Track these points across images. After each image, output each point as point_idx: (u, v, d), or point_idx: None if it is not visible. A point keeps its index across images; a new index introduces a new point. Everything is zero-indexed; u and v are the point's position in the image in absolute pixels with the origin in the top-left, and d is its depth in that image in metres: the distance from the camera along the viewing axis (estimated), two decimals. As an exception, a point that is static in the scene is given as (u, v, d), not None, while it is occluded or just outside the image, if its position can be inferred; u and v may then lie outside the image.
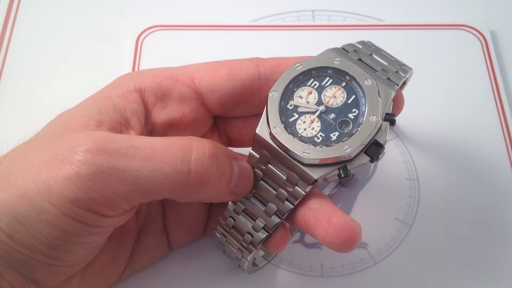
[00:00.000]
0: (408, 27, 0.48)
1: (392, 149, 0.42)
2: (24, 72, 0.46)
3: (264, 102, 0.31)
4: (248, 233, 0.32)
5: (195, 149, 0.29)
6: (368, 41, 0.33)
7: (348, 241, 0.29)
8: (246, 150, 0.32)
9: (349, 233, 0.29)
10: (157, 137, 0.29)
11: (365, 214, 0.40)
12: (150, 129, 0.33)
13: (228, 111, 0.35)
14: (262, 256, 0.37)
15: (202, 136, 0.36)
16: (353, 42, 0.33)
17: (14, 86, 0.46)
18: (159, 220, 0.36)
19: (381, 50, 0.32)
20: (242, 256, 0.33)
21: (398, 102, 0.33)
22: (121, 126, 0.31)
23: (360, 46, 0.32)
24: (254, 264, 0.36)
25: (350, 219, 0.30)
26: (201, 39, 0.48)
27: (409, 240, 0.39)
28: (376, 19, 0.49)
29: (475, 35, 0.48)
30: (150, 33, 0.48)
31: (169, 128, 0.34)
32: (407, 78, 0.32)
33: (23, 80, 0.46)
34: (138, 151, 0.28)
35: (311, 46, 0.47)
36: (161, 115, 0.33)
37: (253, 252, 0.32)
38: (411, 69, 0.32)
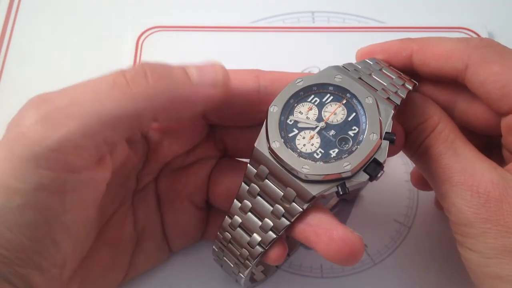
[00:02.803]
0: (408, 29, 0.48)
1: (391, 151, 0.42)
2: (24, 72, 0.46)
3: (262, 115, 0.31)
4: (245, 248, 0.32)
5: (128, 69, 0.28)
6: (369, 59, 0.33)
7: (351, 256, 0.29)
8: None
9: (351, 248, 0.29)
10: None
11: (365, 216, 0.40)
12: (145, 135, 0.33)
13: (225, 121, 0.35)
14: (261, 271, 0.37)
15: (198, 144, 0.35)
16: (353, 62, 0.33)
17: (14, 86, 0.46)
18: (158, 226, 0.36)
19: (382, 68, 0.33)
20: (239, 272, 0.33)
21: (400, 139, 0.32)
22: None
23: (360, 66, 0.32)
24: (252, 280, 0.36)
25: (351, 233, 0.29)
26: (201, 40, 0.48)
27: (408, 242, 0.39)
28: (376, 21, 0.49)
29: (473, 37, 0.48)
30: (150, 34, 0.48)
31: (164, 135, 0.34)
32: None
33: (23, 80, 0.46)
34: (74, 91, 0.28)
35: (310, 48, 0.48)
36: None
37: (250, 268, 0.32)
38: (411, 88, 0.32)
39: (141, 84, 0.28)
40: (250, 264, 0.32)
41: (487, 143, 0.34)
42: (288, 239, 0.34)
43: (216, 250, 0.34)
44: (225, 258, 0.33)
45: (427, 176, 0.32)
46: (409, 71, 0.33)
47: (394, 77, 0.32)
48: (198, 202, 0.36)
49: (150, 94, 0.28)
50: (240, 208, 0.31)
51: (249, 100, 0.33)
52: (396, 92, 0.31)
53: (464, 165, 0.30)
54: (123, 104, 0.27)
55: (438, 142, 0.31)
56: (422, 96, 0.33)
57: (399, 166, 0.42)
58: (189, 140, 0.35)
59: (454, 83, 0.32)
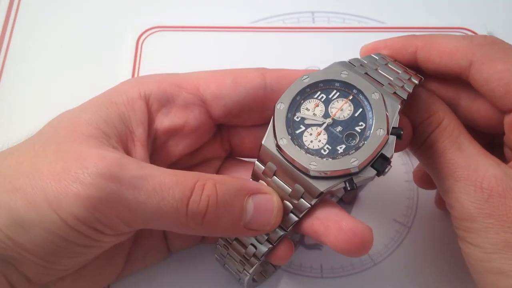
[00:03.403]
0: (407, 30, 0.48)
1: (391, 151, 0.42)
2: (24, 72, 0.46)
3: (268, 112, 0.31)
4: (252, 245, 0.32)
5: (195, 191, 0.29)
6: (375, 54, 0.33)
7: (361, 246, 0.29)
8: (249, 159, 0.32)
9: (361, 239, 0.29)
10: (168, 171, 0.29)
11: (365, 216, 0.40)
12: (153, 135, 0.33)
13: (231, 119, 0.35)
14: (260, 272, 0.37)
15: (204, 144, 0.36)
16: (359, 57, 0.33)
17: (14, 86, 0.46)
18: None
19: (387, 63, 0.33)
20: (244, 269, 0.33)
21: (408, 134, 0.33)
22: (127, 137, 0.32)
23: (366, 61, 0.32)
24: (253, 280, 0.36)
25: (360, 224, 0.30)
26: (201, 40, 0.48)
27: (408, 242, 0.39)
28: (376, 21, 0.49)
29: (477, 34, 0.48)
30: (150, 34, 0.48)
31: (171, 135, 0.34)
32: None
33: (23, 80, 0.46)
34: (147, 184, 0.28)
35: (310, 48, 0.48)
36: (164, 121, 0.33)
37: (255, 265, 0.32)
38: (417, 83, 0.32)
39: (196, 220, 0.29)
40: (256, 261, 0.32)
41: (489, 141, 0.35)
42: None
43: (220, 247, 0.34)
44: (229, 256, 0.33)
45: (430, 171, 0.32)
46: (413, 67, 0.33)
47: (400, 71, 0.32)
48: None
49: (197, 231, 0.30)
50: None
51: (256, 98, 0.33)
52: (402, 87, 0.31)
53: (468, 161, 0.30)
54: (172, 227, 0.30)
55: (443, 137, 0.31)
56: (427, 91, 0.33)
57: (399, 166, 0.42)
58: (196, 140, 0.35)
59: (458, 80, 0.32)
